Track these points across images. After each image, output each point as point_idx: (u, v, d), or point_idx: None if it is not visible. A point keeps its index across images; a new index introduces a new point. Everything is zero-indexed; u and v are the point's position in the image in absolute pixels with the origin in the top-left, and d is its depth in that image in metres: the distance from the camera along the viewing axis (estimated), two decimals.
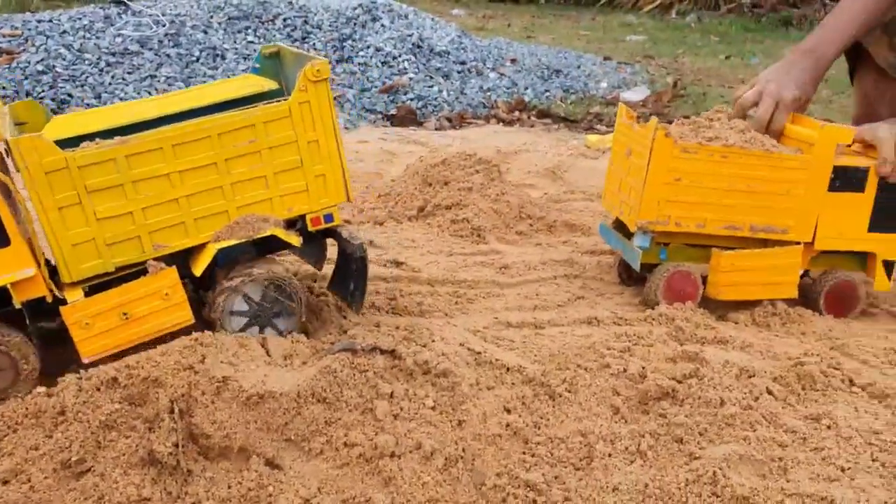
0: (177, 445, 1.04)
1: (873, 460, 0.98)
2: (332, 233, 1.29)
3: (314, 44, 3.98)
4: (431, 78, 3.99)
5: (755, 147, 1.42)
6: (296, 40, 3.98)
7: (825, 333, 1.37)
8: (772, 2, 7.82)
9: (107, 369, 1.07)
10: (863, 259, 1.48)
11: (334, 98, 3.57)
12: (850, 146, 1.47)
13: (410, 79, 3.89)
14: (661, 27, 7.16)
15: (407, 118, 3.47)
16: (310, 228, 1.26)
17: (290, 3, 4.21)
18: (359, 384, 1.11)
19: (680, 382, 1.10)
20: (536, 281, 1.59)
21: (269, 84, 1.31)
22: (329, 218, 1.26)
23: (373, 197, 2.02)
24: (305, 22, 4.12)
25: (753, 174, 1.43)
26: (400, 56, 4.04)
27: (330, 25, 4.12)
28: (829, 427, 1.02)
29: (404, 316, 1.34)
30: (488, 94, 4.02)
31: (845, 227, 1.45)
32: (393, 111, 3.56)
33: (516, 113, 3.81)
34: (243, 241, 1.19)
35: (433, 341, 1.20)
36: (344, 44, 4.03)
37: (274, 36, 3.98)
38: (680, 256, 1.50)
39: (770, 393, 1.08)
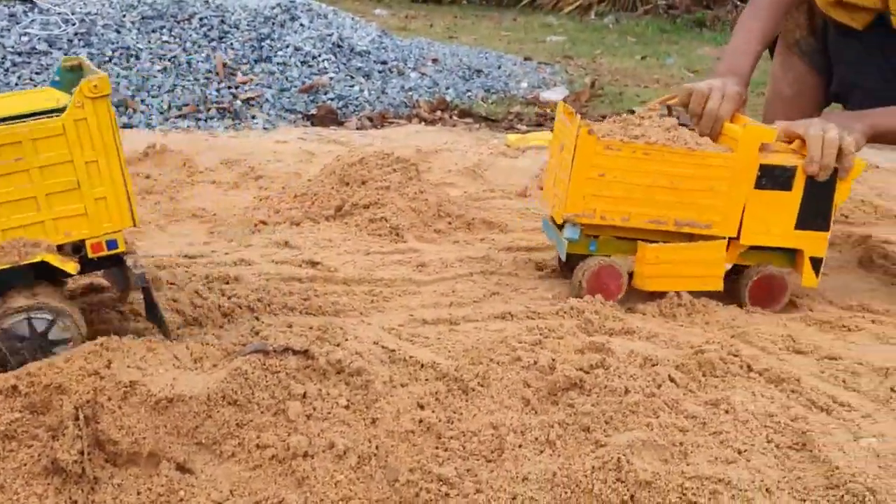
0: (82, 453, 1.02)
1: (768, 441, 1.02)
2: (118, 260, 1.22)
3: (231, 43, 3.92)
4: (352, 78, 3.97)
5: (678, 145, 1.47)
6: (213, 40, 3.91)
7: (727, 323, 1.43)
8: (686, 3, 8.05)
9: (6, 377, 1.04)
10: (792, 255, 1.53)
11: (253, 98, 3.54)
12: (790, 142, 1.52)
13: (331, 78, 3.87)
14: (581, 28, 7.30)
15: (327, 118, 3.45)
16: (90, 255, 1.19)
17: (207, 2, 4.14)
18: (271, 385, 1.11)
19: (587, 373, 1.13)
20: (453, 278, 1.61)
21: (66, 99, 1.21)
22: (112, 244, 1.19)
23: (289, 197, 2.00)
24: (222, 21, 4.06)
25: (676, 171, 1.48)
26: (320, 56, 4.01)
27: (248, 25, 4.06)
28: (727, 412, 1.07)
29: (318, 316, 1.34)
30: (410, 93, 4.03)
31: (772, 224, 1.50)
32: (313, 111, 3.54)
33: (438, 112, 3.83)
34: (9, 266, 1.11)
35: (347, 340, 1.20)
36: (262, 43, 3.98)
37: (190, 35, 3.90)
38: (609, 248, 1.55)
39: (672, 380, 1.12)
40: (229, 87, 3.58)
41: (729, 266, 1.55)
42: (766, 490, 0.95)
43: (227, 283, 1.45)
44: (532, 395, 1.12)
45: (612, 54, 5.88)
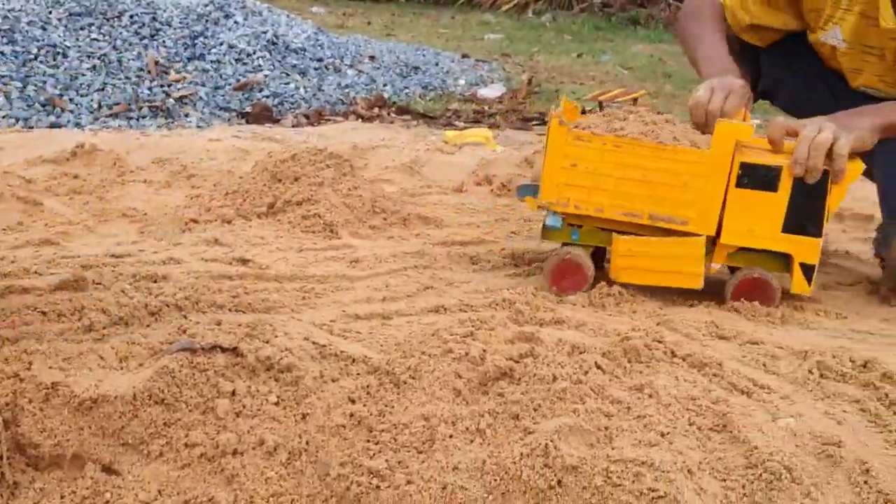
0: (1, 457, 0.99)
1: (690, 424, 1.05)
2: None
3: (164, 41, 3.85)
4: (288, 75, 3.94)
5: (649, 139, 1.48)
6: (144, 38, 3.83)
7: (654, 311, 1.46)
8: (621, 2, 8.19)
9: None
10: (787, 261, 1.50)
11: (186, 96, 3.48)
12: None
13: (266, 76, 3.83)
14: (518, 26, 7.36)
15: (262, 115, 3.42)
16: None
17: None
18: (199, 383, 1.10)
19: (517, 362, 1.15)
20: (387, 273, 1.61)
21: None
22: None
23: (221, 195, 1.98)
24: (154, 19, 3.98)
25: (648, 165, 1.48)
26: (254, 53, 3.97)
27: (180, 22, 3.99)
28: (650, 396, 1.09)
29: (248, 313, 1.33)
30: (347, 90, 4.01)
31: (756, 225, 1.48)
32: (248, 109, 3.50)
33: (375, 109, 3.82)
34: None
35: (277, 337, 1.20)
36: (195, 41, 3.92)
37: (120, 33, 3.82)
38: (592, 238, 1.57)
39: (599, 367, 1.15)
40: (162, 86, 3.52)
41: (717, 266, 1.55)
42: (688, 471, 0.98)
43: (155, 281, 1.43)
44: (463, 386, 1.13)
45: (549, 52, 5.95)
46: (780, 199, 1.46)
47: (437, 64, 4.90)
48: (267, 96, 3.66)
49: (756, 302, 1.50)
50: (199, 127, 3.20)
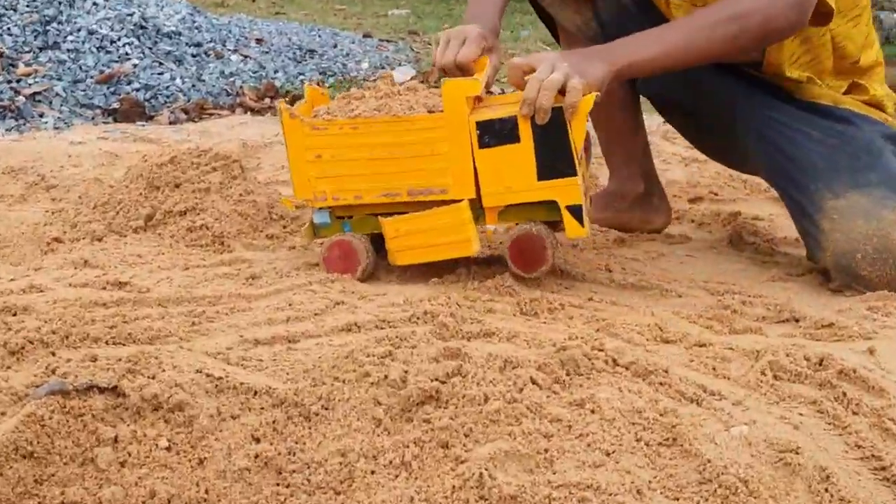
0: None
1: (637, 440, 1.09)
2: None
3: (9, 28, 3.74)
4: (161, 64, 3.87)
5: (382, 115, 1.60)
6: None
7: (591, 316, 1.50)
8: None
9: None
10: (556, 207, 1.62)
11: (39, 92, 3.39)
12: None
13: (134, 65, 3.76)
14: (426, 0, 7.41)
15: (133, 112, 3.36)
16: None
17: None
18: (74, 431, 1.08)
19: (443, 383, 1.16)
20: (290, 289, 1.60)
21: None
22: None
23: (88, 208, 1.94)
24: None
25: (389, 141, 1.61)
26: (119, 39, 3.88)
27: (28, 5, 3.88)
28: (593, 411, 1.12)
29: (129, 345, 1.31)
30: (231, 79, 3.97)
31: (512, 181, 1.60)
32: (115, 105, 3.43)
33: (266, 100, 3.80)
34: None
35: (164, 371, 1.18)
36: (48, 27, 3.82)
37: None
38: (364, 227, 1.68)
39: (534, 382, 1.17)
40: (9, 82, 3.41)
41: (493, 227, 1.69)
42: (637, 492, 1.01)
43: (14, 314, 1.39)
44: (384, 414, 1.14)
45: None
46: (525, 149, 1.59)
47: (335, 46, 4.89)
48: (137, 89, 3.59)
49: (530, 261, 1.62)
50: (57, 128, 3.12)
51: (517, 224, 1.64)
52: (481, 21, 1.76)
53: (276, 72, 4.21)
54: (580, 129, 1.58)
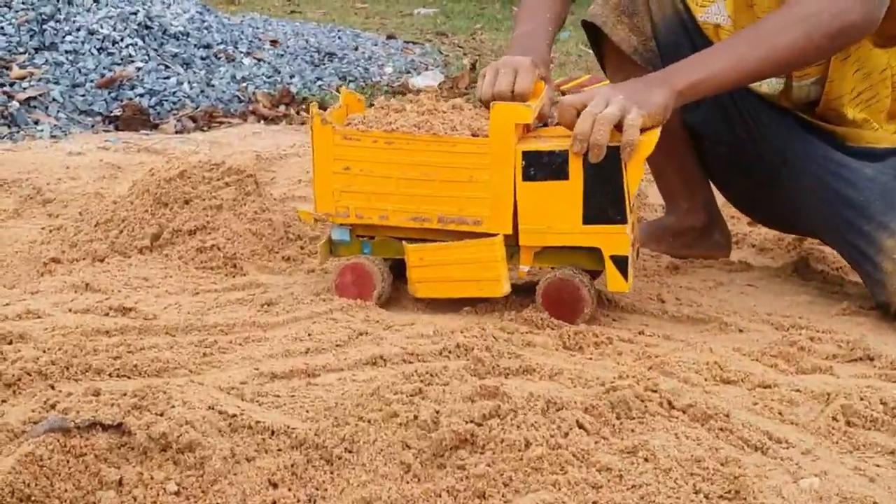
0: None
1: (696, 492, 1.08)
2: None
3: (2, 26, 3.80)
4: (167, 67, 3.92)
5: (423, 132, 1.60)
6: None
7: (643, 352, 1.50)
8: None
9: None
10: (599, 256, 1.60)
11: (35, 97, 3.44)
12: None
13: (138, 69, 3.80)
14: None
15: (136, 120, 3.40)
16: None
17: None
18: (75, 472, 1.09)
19: (479, 425, 1.16)
20: (309, 317, 1.61)
21: None
22: None
23: (90, 226, 1.96)
24: None
25: (426, 161, 1.61)
26: (122, 40, 3.94)
27: (23, 2, 3.95)
28: (646, 460, 1.12)
29: (134, 378, 1.32)
30: (244, 85, 4.01)
31: (554, 220, 1.59)
32: (117, 111, 3.47)
33: (281, 108, 3.83)
34: None
35: (173, 407, 1.19)
36: (45, 26, 3.88)
37: None
38: (386, 250, 1.70)
39: (581, 426, 1.17)
40: (2, 86, 3.47)
41: (526, 269, 1.66)
42: None
43: (10, 342, 1.41)
44: (413, 459, 1.15)
45: (496, 28, 6.05)
46: (573, 188, 1.58)
47: (356, 48, 4.94)
48: (141, 95, 3.64)
49: (567, 310, 1.61)
50: (54, 137, 3.16)
51: (553, 268, 1.63)
52: (531, 51, 1.75)
53: (291, 76, 4.26)
54: (637, 171, 1.56)
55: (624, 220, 1.57)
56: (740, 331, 1.66)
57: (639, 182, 1.59)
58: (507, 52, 1.79)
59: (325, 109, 1.72)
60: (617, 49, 1.95)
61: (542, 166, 1.57)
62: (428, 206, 1.63)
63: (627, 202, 1.56)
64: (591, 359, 1.47)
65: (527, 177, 1.58)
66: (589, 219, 1.57)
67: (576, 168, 1.56)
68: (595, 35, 1.99)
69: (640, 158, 1.55)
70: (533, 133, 1.69)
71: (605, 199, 1.56)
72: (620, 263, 1.58)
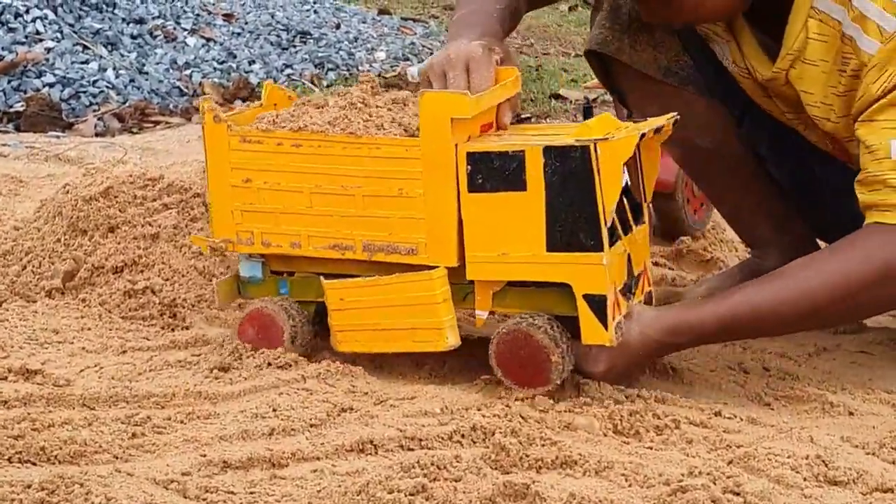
0: None
1: None
2: None
3: None
4: (86, 48, 3.94)
5: (338, 130, 1.59)
6: None
7: (720, 440, 1.49)
8: None
9: None
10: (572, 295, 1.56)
11: None
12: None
13: (48, 49, 3.82)
14: None
15: (44, 118, 3.41)
16: None
17: None
18: None
19: None
20: (274, 387, 1.61)
21: None
22: None
23: None
24: None
25: (343, 169, 1.61)
26: (28, 12, 3.96)
27: None
28: None
29: (42, 465, 1.32)
30: (188, 72, 4.03)
31: (510, 246, 1.57)
32: (19, 106, 3.49)
33: (237, 103, 3.85)
34: None
35: None
36: None
37: None
38: (307, 292, 1.68)
39: None
40: None
41: (483, 315, 1.63)
42: None
43: None
44: None
45: None
46: (532, 201, 1.55)
47: (338, 26, 4.96)
48: (51, 84, 3.65)
49: (528, 374, 1.57)
50: None
51: (519, 315, 1.58)
52: (477, 30, 1.74)
53: (251, 62, 4.27)
54: (614, 178, 1.53)
55: (598, 247, 1.53)
56: (850, 413, 1.65)
57: (617, 194, 1.55)
58: (448, 40, 1.79)
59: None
60: (641, 75, 1.97)
61: (492, 172, 1.55)
62: (350, 229, 1.61)
63: (603, 219, 1.53)
64: (650, 448, 1.46)
65: (473, 187, 1.56)
66: (554, 244, 1.54)
67: (535, 175, 1.53)
68: (604, 64, 2.01)
69: (617, 162, 1.52)
70: (495, 132, 1.67)
71: (572, 217, 1.53)
72: (597, 305, 1.54)
